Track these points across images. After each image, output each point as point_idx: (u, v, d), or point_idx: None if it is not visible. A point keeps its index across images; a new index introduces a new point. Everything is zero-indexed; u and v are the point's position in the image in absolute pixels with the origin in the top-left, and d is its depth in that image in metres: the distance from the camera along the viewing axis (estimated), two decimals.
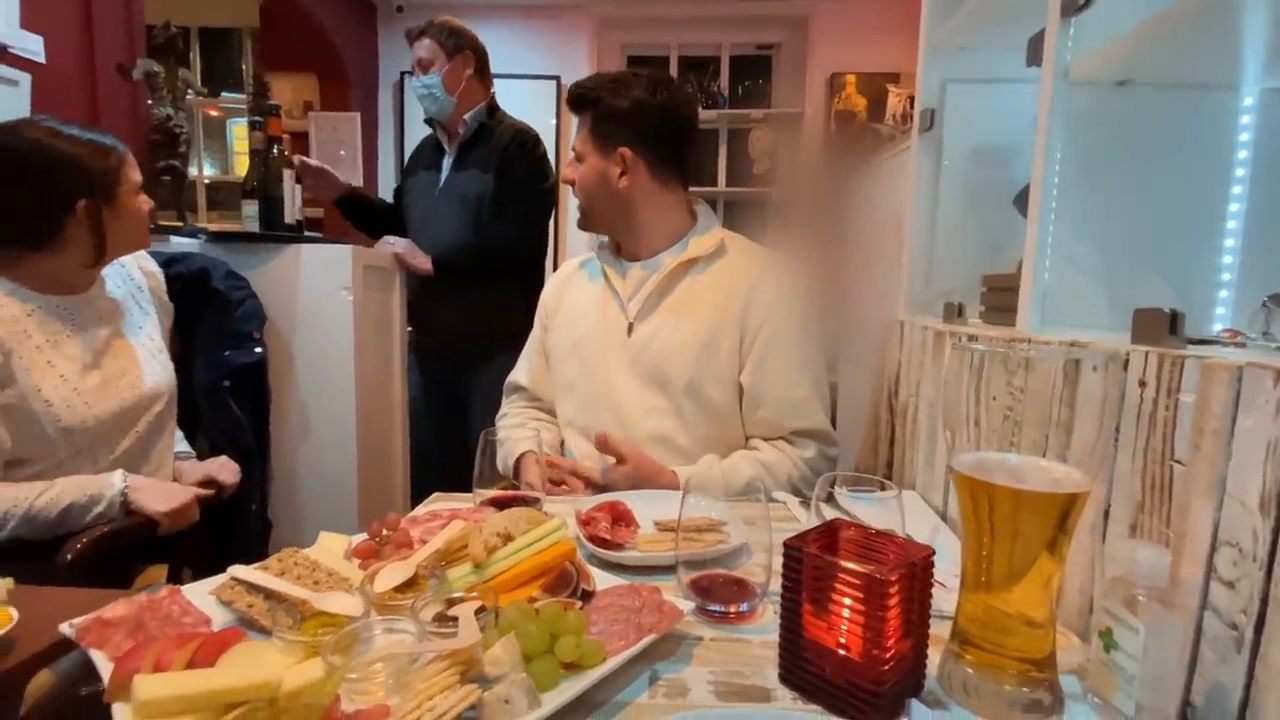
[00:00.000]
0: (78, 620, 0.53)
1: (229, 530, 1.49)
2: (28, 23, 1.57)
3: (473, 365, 1.95)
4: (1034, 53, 0.82)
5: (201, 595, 0.61)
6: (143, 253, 1.33)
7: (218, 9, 3.41)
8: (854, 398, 1.79)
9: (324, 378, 1.71)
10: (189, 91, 1.86)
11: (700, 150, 3.61)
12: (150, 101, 1.78)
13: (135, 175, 1.15)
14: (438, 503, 0.96)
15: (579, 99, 1.10)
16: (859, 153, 3.10)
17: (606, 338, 1.13)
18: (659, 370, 1.08)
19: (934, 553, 0.53)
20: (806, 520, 0.92)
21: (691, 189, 1.17)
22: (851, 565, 0.50)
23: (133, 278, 1.28)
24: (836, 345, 2.14)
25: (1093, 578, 0.64)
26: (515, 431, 1.20)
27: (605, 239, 1.20)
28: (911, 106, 3.27)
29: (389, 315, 1.93)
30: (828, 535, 0.57)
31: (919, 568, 0.51)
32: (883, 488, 0.71)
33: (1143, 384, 0.59)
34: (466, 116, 1.90)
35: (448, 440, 2.06)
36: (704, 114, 3.49)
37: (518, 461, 1.12)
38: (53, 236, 1.07)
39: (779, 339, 1.07)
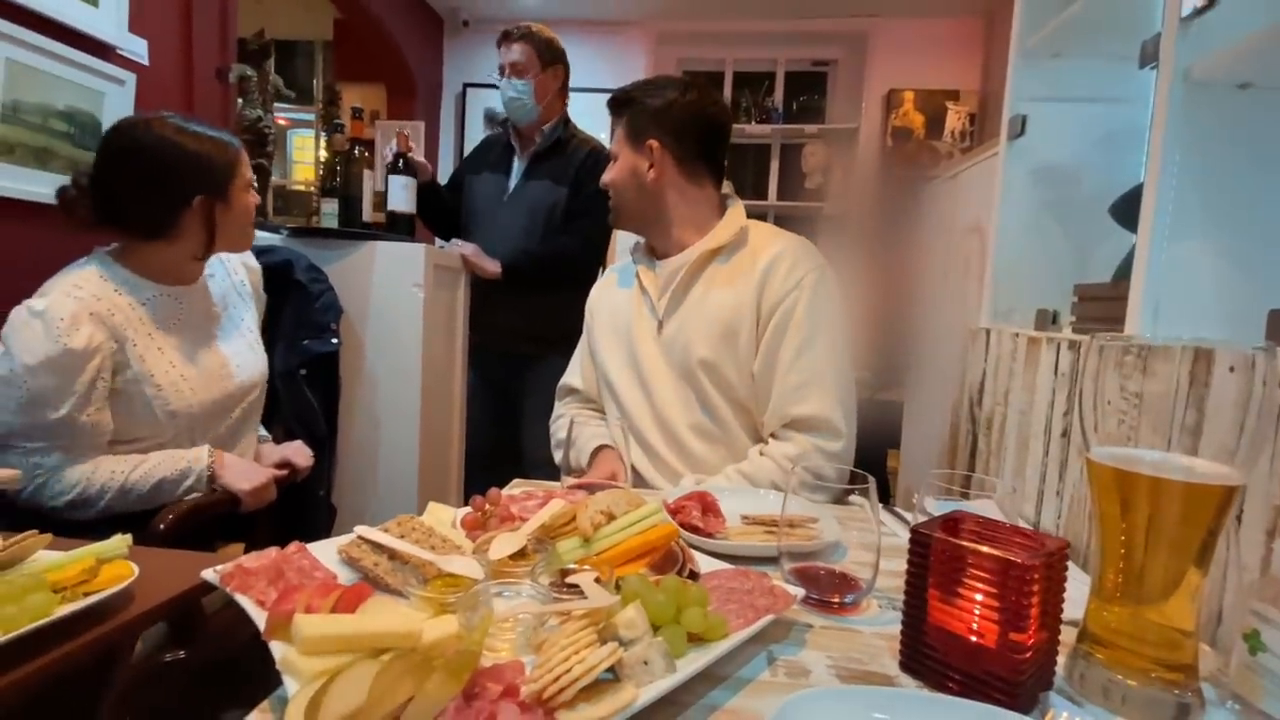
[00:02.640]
0: (220, 567, 0.56)
1: (298, 514, 1.53)
2: (134, 27, 1.67)
3: (527, 365, 1.98)
4: (1148, 55, 0.81)
5: (325, 553, 0.63)
6: None
7: (295, 22, 3.58)
8: (924, 408, 1.76)
9: (392, 370, 1.76)
10: (276, 96, 1.96)
11: (742, 160, 3.62)
12: (241, 103, 1.88)
13: (248, 172, 1.21)
14: (520, 488, 0.97)
15: (617, 101, 1.15)
16: (916, 169, 3.09)
17: (641, 338, 1.15)
18: (687, 362, 1.09)
19: (1069, 544, 0.52)
20: (893, 523, 0.91)
21: (743, 202, 1.18)
22: (993, 551, 0.49)
23: (235, 272, 1.34)
24: (900, 357, 2.11)
25: (1222, 583, 0.62)
26: (582, 430, 1.22)
27: (640, 241, 1.22)
28: (971, 124, 3.25)
29: (454, 313, 1.98)
30: (951, 524, 0.56)
31: (1056, 558, 0.50)
32: (965, 495, 0.70)
33: None
34: (545, 128, 1.94)
35: (500, 437, 2.08)
36: (757, 128, 3.51)
37: (594, 454, 1.13)
38: (169, 227, 1.13)
39: (787, 322, 1.04)
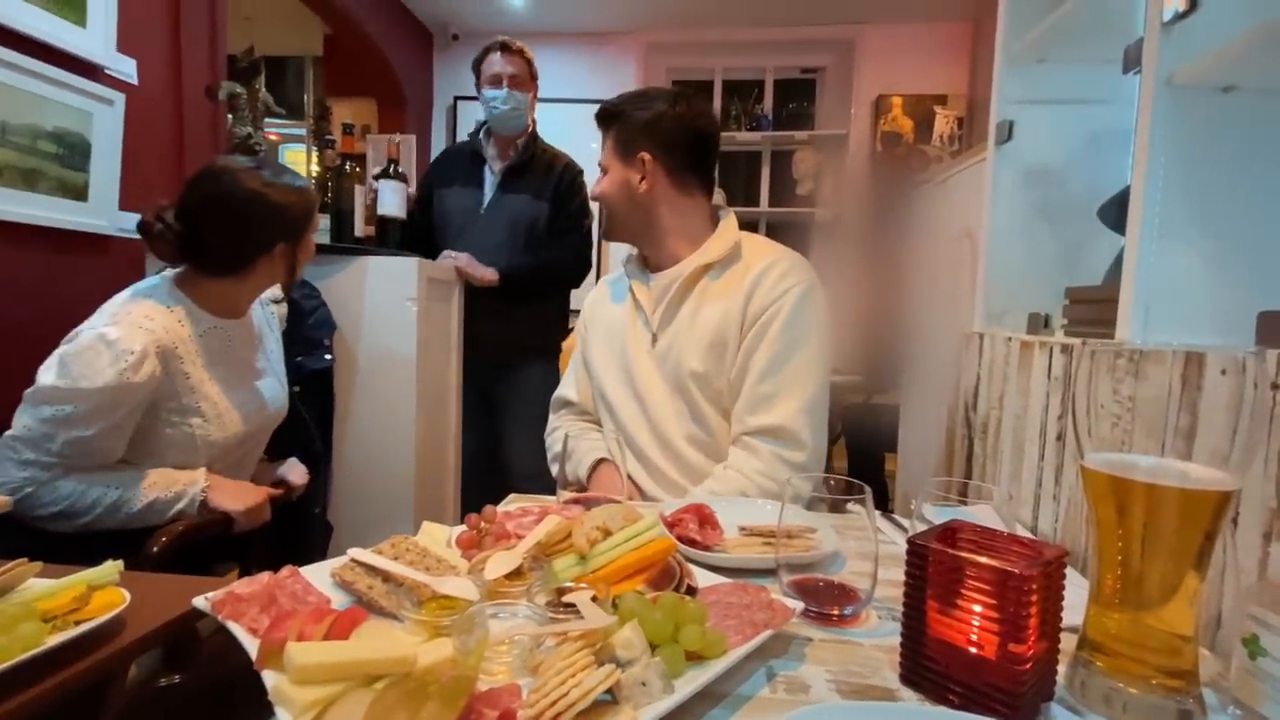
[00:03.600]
0: (212, 594, 0.55)
1: (294, 533, 1.52)
2: (123, 47, 1.67)
3: (511, 373, 2.00)
4: (1131, 60, 0.81)
5: (318, 576, 0.62)
6: None
7: (284, 39, 3.58)
8: (920, 412, 1.76)
9: (387, 386, 1.75)
10: (267, 113, 1.95)
11: (732, 167, 3.64)
12: (231, 120, 1.88)
13: (317, 216, 1.26)
14: (516, 503, 0.96)
15: (606, 114, 1.15)
16: (905, 173, 3.10)
17: (635, 351, 1.15)
18: (680, 375, 1.09)
19: (1067, 552, 0.52)
20: (892, 531, 0.91)
21: (734, 209, 1.19)
22: (989, 562, 0.49)
23: (268, 306, 1.36)
24: (895, 360, 2.12)
25: (1221, 587, 0.61)
26: (579, 442, 1.22)
27: (633, 252, 1.22)
28: (960, 127, 3.27)
29: (448, 326, 1.97)
30: (948, 534, 0.56)
31: (1054, 567, 0.50)
32: (963, 501, 0.70)
33: (1276, 387, 0.57)
34: (519, 142, 1.97)
35: (489, 448, 2.08)
36: (747, 136, 3.53)
37: (594, 468, 1.12)
38: (245, 265, 1.18)
39: (766, 331, 1.04)
